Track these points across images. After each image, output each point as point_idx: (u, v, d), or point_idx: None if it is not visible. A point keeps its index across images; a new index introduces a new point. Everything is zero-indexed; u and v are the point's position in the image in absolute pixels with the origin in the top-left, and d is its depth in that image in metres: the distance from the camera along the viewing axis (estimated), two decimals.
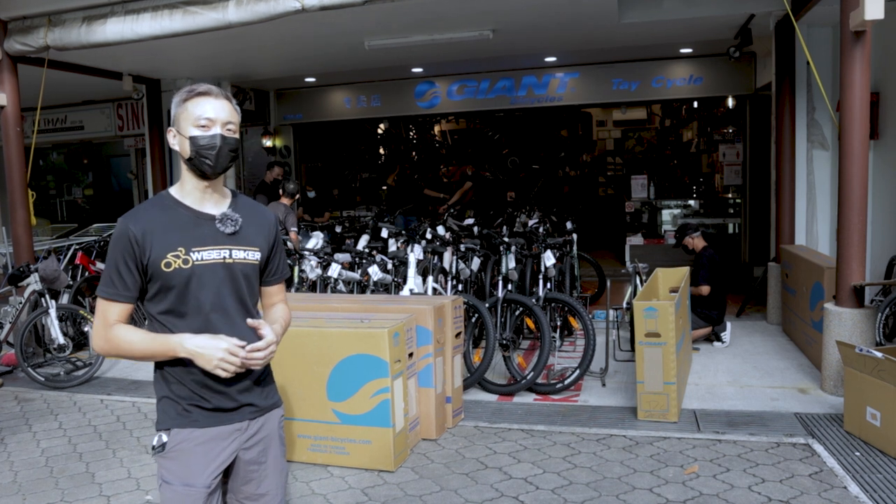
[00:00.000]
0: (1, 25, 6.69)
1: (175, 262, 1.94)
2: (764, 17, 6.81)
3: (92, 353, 6.44)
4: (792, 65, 6.89)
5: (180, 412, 1.98)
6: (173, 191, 2.04)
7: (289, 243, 6.85)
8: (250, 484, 2.09)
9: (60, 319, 6.37)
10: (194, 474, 1.97)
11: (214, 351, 1.89)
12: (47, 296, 6.09)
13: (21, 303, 6.29)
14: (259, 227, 2.09)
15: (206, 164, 1.95)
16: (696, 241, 6.39)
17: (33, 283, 6.20)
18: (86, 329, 6.68)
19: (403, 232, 7.12)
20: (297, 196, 7.78)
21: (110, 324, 1.94)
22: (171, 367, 1.98)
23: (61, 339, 6.00)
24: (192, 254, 1.95)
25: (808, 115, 7.11)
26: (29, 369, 5.90)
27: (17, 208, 6.98)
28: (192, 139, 1.94)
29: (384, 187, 13.84)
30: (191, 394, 1.97)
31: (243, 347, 1.92)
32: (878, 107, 6.43)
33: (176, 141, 2.00)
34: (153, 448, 2.01)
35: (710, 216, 10.30)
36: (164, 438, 1.98)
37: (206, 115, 1.95)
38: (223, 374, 1.92)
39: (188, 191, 2.02)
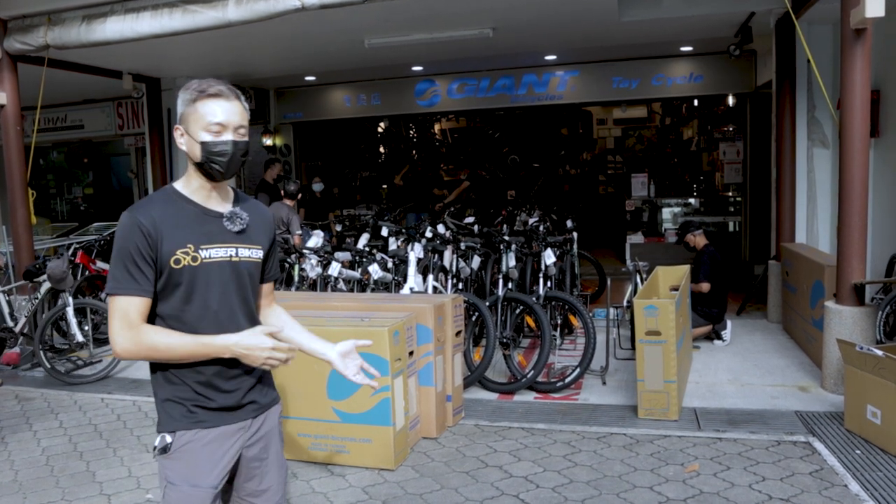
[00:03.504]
0: (1, 24, 6.68)
1: (184, 258, 1.90)
2: (764, 14, 6.80)
3: (93, 353, 6.45)
4: (792, 63, 6.88)
5: (185, 413, 1.94)
6: (178, 186, 2.00)
7: (292, 243, 6.83)
8: (253, 480, 2.09)
9: (61, 318, 6.39)
10: (201, 475, 1.95)
11: (261, 350, 1.88)
12: (66, 292, 6.12)
13: (37, 299, 6.32)
14: (261, 225, 2.09)
15: (217, 170, 1.92)
16: (698, 239, 6.41)
17: (47, 282, 6.23)
18: (86, 328, 6.68)
19: (403, 231, 7.11)
20: (300, 196, 7.72)
21: (135, 324, 1.84)
22: (177, 370, 1.93)
23: (79, 337, 6.03)
24: (200, 251, 1.92)
25: (808, 113, 7.10)
26: (47, 364, 5.93)
27: (18, 207, 6.98)
28: (204, 144, 1.90)
29: (384, 186, 13.84)
30: (195, 395, 1.94)
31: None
32: (878, 105, 6.43)
33: (184, 141, 1.94)
34: (155, 449, 1.96)
35: (710, 214, 10.29)
36: (168, 439, 1.93)
37: (217, 120, 1.90)
38: (270, 368, 1.95)
39: (194, 188, 1.98)
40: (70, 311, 6.01)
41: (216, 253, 1.95)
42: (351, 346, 2.16)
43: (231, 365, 1.97)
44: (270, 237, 2.13)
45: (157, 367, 1.96)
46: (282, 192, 7.62)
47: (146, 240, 1.85)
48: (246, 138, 1.97)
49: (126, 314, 1.84)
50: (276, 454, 2.13)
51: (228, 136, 1.92)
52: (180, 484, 1.93)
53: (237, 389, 2.00)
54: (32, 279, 6.35)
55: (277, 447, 2.14)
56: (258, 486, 2.09)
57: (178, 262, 1.89)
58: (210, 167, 1.92)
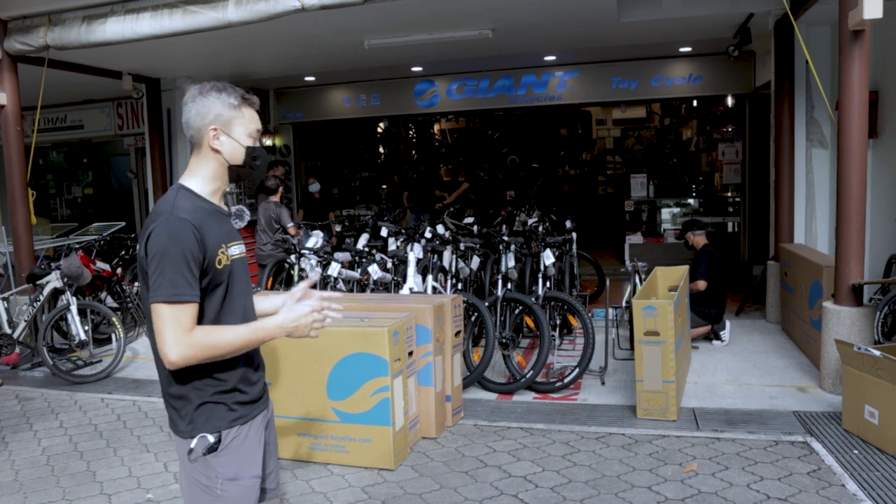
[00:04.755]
0: (1, 25, 6.69)
1: (223, 258, 1.94)
2: (763, 15, 6.81)
3: (94, 352, 6.46)
4: (791, 64, 6.90)
5: (227, 411, 1.96)
6: (192, 186, 1.99)
7: (292, 240, 6.84)
8: (268, 463, 2.16)
9: (61, 319, 6.40)
10: (254, 465, 2.03)
11: (305, 317, 1.93)
12: (69, 292, 6.13)
13: (39, 301, 6.31)
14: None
15: (251, 173, 2.04)
16: (697, 239, 6.43)
17: (54, 281, 6.22)
18: (86, 328, 6.69)
19: (403, 231, 7.13)
20: (280, 189, 7.70)
21: (189, 329, 1.83)
22: (221, 370, 1.93)
23: (82, 335, 6.06)
24: (228, 250, 1.98)
25: (807, 113, 7.11)
26: (50, 362, 5.96)
27: (18, 207, 6.99)
28: (249, 150, 2.01)
29: (384, 186, 13.84)
30: (234, 392, 1.97)
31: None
32: (876, 105, 6.44)
33: (223, 142, 1.97)
34: (191, 451, 1.92)
35: (709, 215, 10.30)
36: (211, 439, 1.93)
37: (258, 127, 2.02)
38: (316, 335, 1.96)
39: (213, 190, 2.02)
40: (74, 309, 6.05)
41: (234, 250, 2.02)
42: (302, 287, 2.06)
43: (255, 356, 2.06)
44: None
45: (196, 373, 1.93)
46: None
47: (198, 244, 1.86)
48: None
49: (181, 321, 1.82)
50: (274, 437, 2.24)
51: (258, 143, 2.05)
52: (242, 478, 1.99)
53: (260, 380, 2.09)
54: (36, 281, 6.33)
55: (273, 430, 2.24)
56: (268, 470, 2.16)
57: (220, 261, 1.93)
58: (247, 171, 2.03)
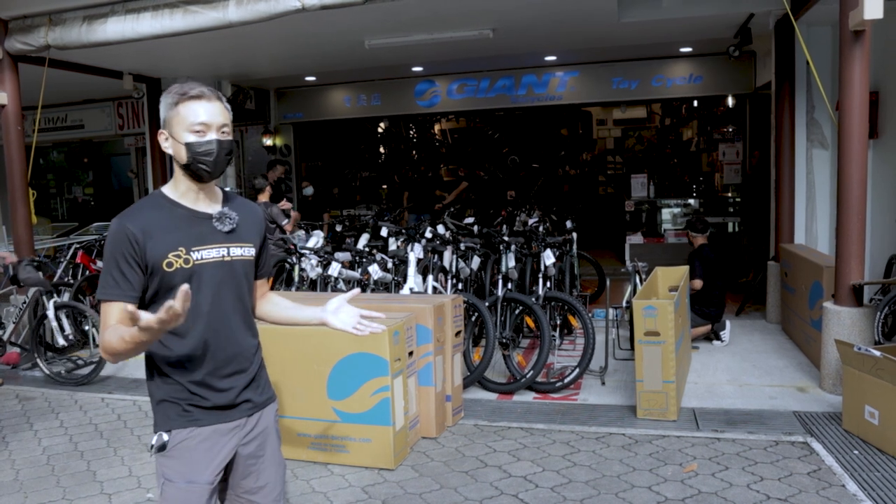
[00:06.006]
0: (1, 25, 6.69)
1: (177, 261, 1.93)
2: (763, 16, 6.81)
3: (93, 352, 6.46)
4: (792, 64, 6.89)
5: (180, 413, 1.98)
6: (166, 190, 2.02)
7: (292, 239, 6.84)
8: (249, 478, 2.11)
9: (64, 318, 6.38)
10: (197, 471, 1.99)
11: (351, 316, 2.09)
12: (45, 297, 6.06)
13: (24, 303, 6.29)
14: (252, 223, 2.12)
15: (203, 170, 1.95)
16: (697, 239, 6.44)
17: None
18: (86, 328, 6.69)
19: (403, 231, 7.13)
20: (267, 188, 7.68)
21: (109, 326, 1.88)
22: (171, 370, 1.97)
23: (60, 341, 5.98)
24: (192, 253, 1.95)
25: (807, 114, 7.11)
26: (45, 371, 5.93)
27: (18, 207, 6.99)
28: (189, 146, 1.93)
29: (384, 186, 13.84)
30: (189, 394, 1.98)
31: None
32: (877, 106, 6.44)
33: (169, 144, 1.98)
34: (152, 447, 2.00)
35: (709, 215, 10.29)
36: (165, 438, 1.98)
37: (200, 120, 1.93)
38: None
39: (182, 192, 2.01)
40: (51, 314, 5.91)
41: (208, 254, 1.98)
42: (341, 300, 2.15)
43: (224, 364, 2.01)
44: (262, 234, 2.16)
45: (153, 368, 2.00)
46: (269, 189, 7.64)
47: (132, 247, 1.88)
48: (230, 137, 2.01)
49: (105, 317, 1.90)
50: (272, 451, 2.16)
51: (212, 136, 1.95)
52: (177, 480, 1.98)
53: (231, 388, 2.03)
54: (20, 284, 6.26)
55: (274, 445, 2.17)
56: (254, 484, 2.12)
57: (170, 265, 1.92)
58: (197, 168, 1.95)
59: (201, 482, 1.99)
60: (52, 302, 6.00)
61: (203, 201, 2.02)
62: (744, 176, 9.93)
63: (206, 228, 1.99)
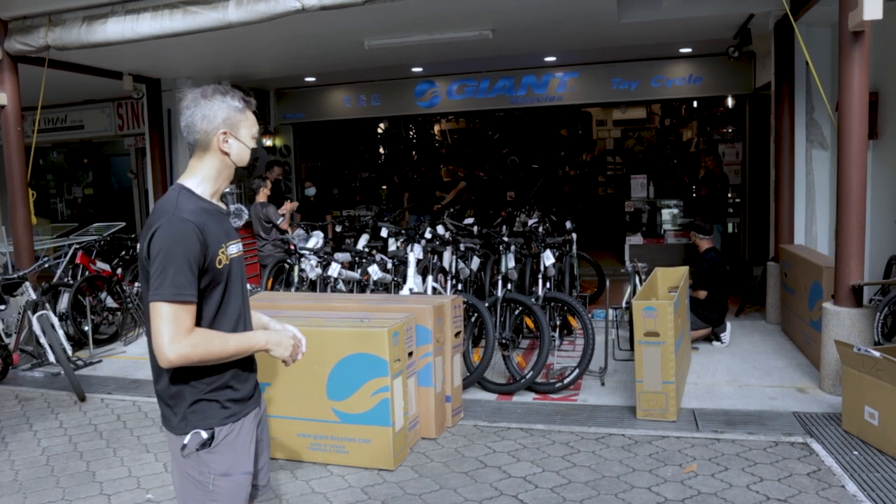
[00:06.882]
0: (1, 25, 6.70)
1: (223, 258, 1.97)
2: (763, 16, 6.82)
3: (93, 353, 6.45)
4: (791, 65, 6.90)
5: (220, 409, 2.00)
6: (192, 187, 2.01)
7: (292, 239, 6.84)
8: (260, 459, 2.19)
9: (61, 318, 6.36)
10: (245, 461, 2.06)
11: (287, 339, 2.10)
12: (30, 312, 5.88)
13: (20, 313, 6.23)
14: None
15: (246, 172, 2.11)
16: (701, 242, 6.33)
17: (26, 293, 6.07)
18: (86, 328, 6.69)
19: (403, 231, 7.13)
20: (263, 188, 7.69)
21: (188, 329, 1.86)
22: (215, 368, 1.97)
23: (51, 357, 5.70)
24: (228, 249, 2.01)
25: (807, 114, 7.11)
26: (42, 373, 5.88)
27: (18, 207, 7.00)
28: (253, 150, 2.10)
29: (384, 186, 13.84)
30: (226, 389, 2.01)
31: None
32: (876, 107, 6.44)
33: (231, 145, 2.02)
34: (184, 448, 1.96)
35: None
36: (205, 435, 1.96)
37: (257, 129, 2.11)
38: (291, 361, 2.14)
39: (214, 190, 2.06)
40: (35, 325, 5.75)
41: (233, 249, 2.05)
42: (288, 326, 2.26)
43: (248, 357, 2.09)
44: None
45: (191, 371, 1.96)
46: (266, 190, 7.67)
47: (200, 245, 1.90)
48: None
49: (181, 321, 1.85)
50: (266, 433, 2.27)
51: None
52: (233, 473, 2.02)
53: (251, 378, 2.13)
54: (12, 293, 6.15)
55: (265, 426, 2.27)
56: (258, 467, 2.19)
57: (220, 262, 1.97)
58: (245, 170, 2.17)
59: (250, 471, 2.08)
60: (35, 317, 5.78)
61: (218, 200, 2.11)
62: (703, 179, 9.74)
63: (228, 224, 2.09)
